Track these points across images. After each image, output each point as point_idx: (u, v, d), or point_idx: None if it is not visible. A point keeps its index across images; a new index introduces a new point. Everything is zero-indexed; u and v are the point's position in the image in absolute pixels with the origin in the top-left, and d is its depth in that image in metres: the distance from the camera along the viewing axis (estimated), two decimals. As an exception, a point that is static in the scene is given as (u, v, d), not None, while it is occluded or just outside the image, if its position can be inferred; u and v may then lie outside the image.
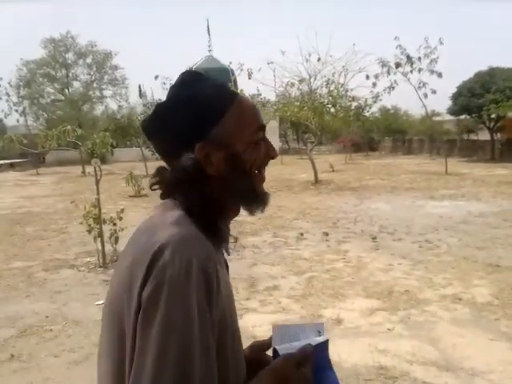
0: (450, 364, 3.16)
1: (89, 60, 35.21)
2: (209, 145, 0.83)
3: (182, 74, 0.89)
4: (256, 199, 0.89)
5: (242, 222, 8.74)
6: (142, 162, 20.46)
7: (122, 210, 6.36)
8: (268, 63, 15.19)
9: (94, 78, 35.93)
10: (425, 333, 3.70)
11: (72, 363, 3.42)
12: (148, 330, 0.69)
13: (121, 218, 6.15)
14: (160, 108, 0.87)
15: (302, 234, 7.47)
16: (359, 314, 4.10)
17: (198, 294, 0.70)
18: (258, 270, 5.61)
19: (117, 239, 6.05)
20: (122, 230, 6.13)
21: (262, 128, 0.89)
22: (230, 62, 21.06)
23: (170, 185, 0.86)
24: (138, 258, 0.75)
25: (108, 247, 6.07)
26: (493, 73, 22.64)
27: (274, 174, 19.22)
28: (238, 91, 19.16)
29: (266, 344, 0.99)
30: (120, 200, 12.03)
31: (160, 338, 0.68)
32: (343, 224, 8.28)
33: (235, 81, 26.63)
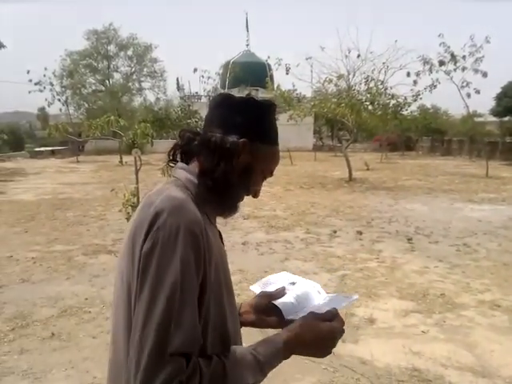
0: (487, 371, 3.08)
1: (129, 52, 36.08)
2: (250, 147, 1.00)
3: (268, 109, 1.07)
4: (230, 207, 1.06)
5: (275, 216, 8.77)
6: (177, 153, 20.78)
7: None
8: (306, 59, 15.08)
9: (133, 69, 36.79)
10: (461, 337, 3.61)
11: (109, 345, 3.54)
12: (143, 281, 0.83)
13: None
14: (248, 99, 1.05)
15: (335, 232, 7.42)
16: (393, 315, 4.05)
17: (184, 252, 0.84)
18: (290, 264, 5.62)
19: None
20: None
21: (271, 175, 1.11)
22: (268, 57, 21.12)
23: (205, 144, 0.99)
24: (140, 222, 0.89)
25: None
26: (542, 73, 21.64)
27: (308, 170, 19.13)
28: (275, 86, 19.12)
29: (275, 295, 1.17)
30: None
31: (150, 288, 0.82)
32: (377, 223, 8.16)
33: (272, 76, 26.60)
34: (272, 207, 9.88)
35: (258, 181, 1.08)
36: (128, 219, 6.12)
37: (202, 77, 19.25)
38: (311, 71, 15.89)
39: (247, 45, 38.30)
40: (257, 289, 1.25)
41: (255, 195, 1.10)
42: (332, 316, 0.99)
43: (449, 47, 15.45)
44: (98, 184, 14.13)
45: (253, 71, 31.12)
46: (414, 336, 3.63)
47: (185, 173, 1.00)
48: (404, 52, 15.50)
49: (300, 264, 5.65)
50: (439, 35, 15.43)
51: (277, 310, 1.13)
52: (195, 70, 19.14)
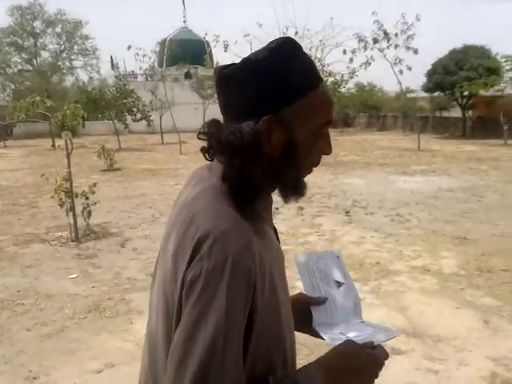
0: (417, 331, 3.29)
1: (58, 29, 33.89)
2: (275, 121, 0.79)
3: (285, 39, 0.83)
4: (296, 190, 0.86)
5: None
6: (114, 135, 20.03)
7: (95, 184, 6.25)
8: (245, 35, 14.90)
9: (63, 47, 34.64)
10: (394, 302, 3.83)
11: (45, 336, 3.40)
12: (185, 312, 0.74)
13: (93, 192, 6.04)
14: (247, 63, 0.80)
15: (277, 209, 7.51)
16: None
17: (231, 286, 0.72)
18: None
19: (89, 213, 5.96)
20: (95, 204, 6.04)
21: (330, 124, 0.85)
22: (206, 34, 20.62)
23: (220, 145, 0.82)
24: (182, 245, 0.77)
25: (80, 221, 5.97)
26: (466, 50, 22.90)
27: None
28: (214, 64, 18.81)
29: (313, 301, 1.02)
30: (92, 174, 11.78)
31: (192, 322, 0.72)
32: (318, 199, 8.37)
33: (211, 53, 26.18)
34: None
35: (315, 148, 0.85)
36: (61, 206, 5.83)
37: (137, 55, 18.41)
38: (250, 49, 15.72)
39: (184, 21, 37.19)
40: (302, 259, 1.08)
41: (317, 164, 0.88)
42: (373, 345, 0.87)
43: (382, 25, 15.93)
44: (28, 170, 13.30)
45: (191, 49, 30.32)
46: (352, 304, 3.79)
47: (216, 177, 0.83)
48: (340, 30, 15.79)
49: (243, 242, 5.69)
50: (373, 13, 15.84)
51: (307, 314, 1.01)
52: (129, 47, 18.30)
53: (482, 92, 21.33)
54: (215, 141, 0.83)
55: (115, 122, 20.64)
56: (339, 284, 1.05)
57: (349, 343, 0.86)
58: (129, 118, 21.03)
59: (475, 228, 6.10)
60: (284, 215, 7.11)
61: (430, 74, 24.03)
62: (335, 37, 17.61)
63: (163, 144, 21.49)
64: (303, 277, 1.05)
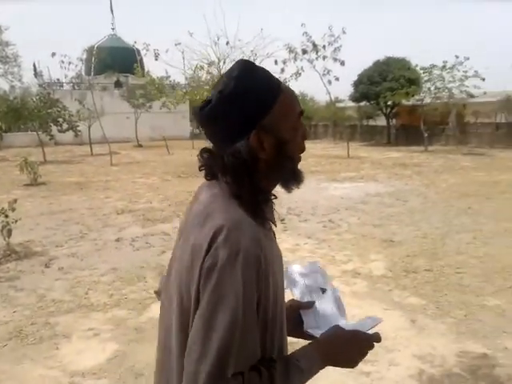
0: (350, 334, 3.38)
1: (-27, 34, 31.39)
2: (261, 132, 0.92)
3: (240, 63, 0.95)
4: (295, 179, 1.00)
5: (151, 209, 8.50)
6: (38, 147, 18.87)
7: (15, 201, 5.83)
8: (175, 44, 14.71)
9: (-21, 53, 32.16)
10: (327, 307, 3.91)
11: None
12: (203, 301, 0.83)
13: (14, 209, 5.63)
14: (221, 98, 0.91)
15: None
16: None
17: (244, 272, 0.83)
18: (168, 257, 5.46)
19: (9, 232, 5.55)
20: (16, 221, 5.63)
21: (302, 113, 0.99)
22: (135, 42, 20.12)
23: (224, 168, 0.94)
24: (198, 240, 0.88)
25: (0, 241, 5.53)
26: (389, 62, 24.34)
27: (186, 159, 18.91)
28: (145, 72, 18.41)
29: (303, 305, 1.14)
30: (14, 189, 10.99)
31: (210, 309, 0.82)
32: (253, 207, 8.41)
33: (141, 61, 25.58)
34: (148, 199, 9.55)
35: (297, 141, 0.98)
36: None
37: (63, 62, 17.53)
38: (183, 58, 15.58)
39: (113, 28, 36.12)
40: (291, 271, 1.21)
41: (304, 149, 1.01)
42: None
43: (310, 37, 16.50)
44: None
45: (120, 56, 29.47)
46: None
47: (224, 189, 0.94)
48: (270, 40, 16.11)
49: (177, 255, 5.56)
50: (302, 25, 16.37)
51: (298, 319, 1.12)
52: (53, 54, 17.38)
53: (404, 101, 22.75)
54: (218, 167, 0.96)
55: (39, 132, 19.45)
56: (323, 290, 1.17)
57: (338, 328, 1.01)
58: (54, 128, 19.91)
59: (401, 230, 6.44)
60: (220, 225, 7.06)
61: (357, 84, 25.25)
62: (266, 47, 18.00)
63: (92, 155, 20.60)
64: (293, 286, 1.18)
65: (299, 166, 1.01)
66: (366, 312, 3.80)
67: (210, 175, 1.00)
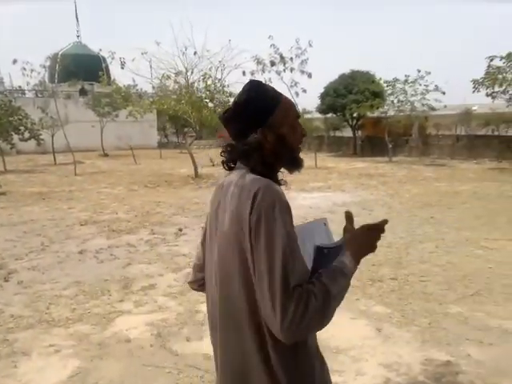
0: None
1: None
2: (266, 129, 1.28)
3: (251, 81, 1.34)
4: (295, 164, 1.36)
5: (117, 219, 8.30)
6: (-1, 156, 18.17)
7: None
8: (142, 53, 14.57)
9: None
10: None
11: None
12: (258, 244, 1.13)
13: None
14: (236, 105, 1.30)
15: (180, 230, 7.36)
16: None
17: (283, 216, 1.15)
18: (133, 269, 5.37)
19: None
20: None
21: (298, 117, 1.37)
22: (100, 50, 19.83)
23: (240, 154, 1.30)
24: (239, 206, 1.18)
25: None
26: (354, 75, 24.97)
27: (154, 168, 18.67)
28: (111, 80, 18.12)
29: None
30: (-29, 200, 10.50)
31: (266, 248, 1.12)
32: (221, 218, 8.37)
33: (107, 70, 25.13)
34: (114, 210, 9.34)
35: (296, 136, 1.34)
36: None
37: (25, 69, 17.03)
38: (150, 67, 15.44)
39: (78, 36, 35.48)
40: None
41: (301, 143, 1.37)
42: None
43: (278, 49, 16.72)
44: None
45: (85, 64, 28.94)
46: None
47: (245, 170, 1.28)
48: (238, 52, 16.25)
49: (144, 267, 5.45)
50: (269, 37, 16.57)
51: None
52: (15, 61, 16.88)
53: (369, 113, 23.35)
54: (236, 153, 1.32)
55: (-1, 141, 18.74)
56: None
57: (349, 233, 1.34)
58: (16, 137, 19.23)
59: (367, 240, 6.54)
60: (188, 236, 6.98)
61: (323, 96, 25.74)
62: (234, 58, 18.10)
63: (56, 165, 20.01)
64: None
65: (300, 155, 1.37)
66: (333, 321, 3.82)
67: (232, 163, 1.35)
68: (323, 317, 1.12)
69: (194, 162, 15.31)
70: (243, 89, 1.32)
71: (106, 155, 26.00)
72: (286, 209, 1.18)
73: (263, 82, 1.42)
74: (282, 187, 1.30)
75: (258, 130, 1.27)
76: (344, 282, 1.18)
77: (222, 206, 1.28)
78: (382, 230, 1.31)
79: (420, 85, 19.96)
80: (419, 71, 19.89)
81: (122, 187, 12.91)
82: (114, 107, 23.91)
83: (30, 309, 4.21)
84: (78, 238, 6.91)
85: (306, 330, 1.11)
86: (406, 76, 20.41)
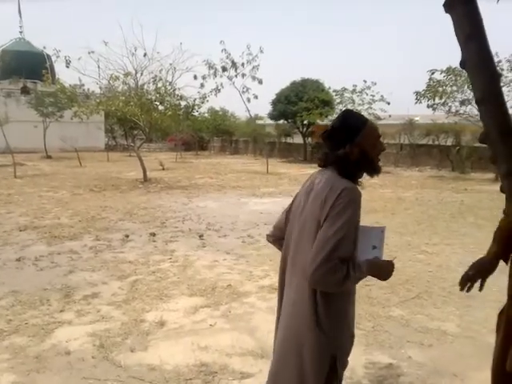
0: (265, 351, 3.36)
1: None
2: (353, 145, 1.79)
3: (345, 110, 1.96)
4: (375, 171, 1.88)
5: (59, 225, 7.92)
6: None
7: None
8: (89, 52, 14.08)
9: None
10: (244, 324, 3.89)
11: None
12: (333, 217, 1.67)
13: None
14: (332, 128, 1.84)
15: (127, 236, 7.14)
16: (183, 314, 4.10)
17: (356, 209, 1.71)
18: (75, 277, 5.13)
19: None
20: None
21: (379, 137, 1.87)
22: (44, 47, 18.92)
23: (333, 162, 1.83)
24: (329, 194, 1.71)
25: None
26: (305, 83, 25.52)
27: (100, 171, 18.05)
28: (55, 79, 17.33)
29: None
30: None
31: (338, 223, 1.66)
32: (171, 223, 8.23)
33: (52, 68, 24.07)
34: (56, 215, 8.91)
35: (375, 152, 1.86)
36: None
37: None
38: (98, 67, 14.92)
39: (21, 32, 33.75)
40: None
41: (380, 154, 1.88)
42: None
43: (230, 54, 16.75)
44: None
45: (28, 61, 27.58)
46: (203, 331, 3.74)
47: (336, 173, 1.81)
48: (189, 55, 16.09)
49: (87, 275, 5.22)
50: (221, 42, 16.57)
51: None
52: None
53: (319, 121, 23.92)
54: (329, 161, 1.85)
55: None
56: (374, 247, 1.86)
57: (376, 258, 1.82)
58: None
59: (315, 245, 6.65)
60: (134, 242, 6.79)
61: (275, 103, 26.09)
62: (185, 62, 17.91)
63: (-6, 166, 18.85)
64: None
65: (380, 164, 1.90)
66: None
67: (324, 164, 1.88)
68: (337, 287, 1.70)
69: (142, 165, 14.96)
70: (338, 115, 1.90)
71: (49, 157, 24.84)
72: (358, 205, 1.71)
73: (353, 110, 2.01)
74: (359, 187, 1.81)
75: (347, 145, 1.78)
76: (358, 277, 1.72)
77: (313, 193, 1.81)
78: (393, 269, 1.87)
79: (367, 94, 20.75)
80: (365, 81, 20.66)
81: (65, 191, 12.36)
82: (59, 107, 22.91)
83: (-42, 322, 3.90)
84: (16, 244, 6.52)
85: (324, 285, 1.70)
86: (353, 86, 21.15)
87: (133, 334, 3.67)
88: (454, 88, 16.63)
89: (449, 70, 16.39)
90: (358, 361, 3.19)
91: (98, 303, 4.35)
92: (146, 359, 3.24)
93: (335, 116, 14.68)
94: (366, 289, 4.76)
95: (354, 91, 21.06)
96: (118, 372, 3.08)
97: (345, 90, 21.48)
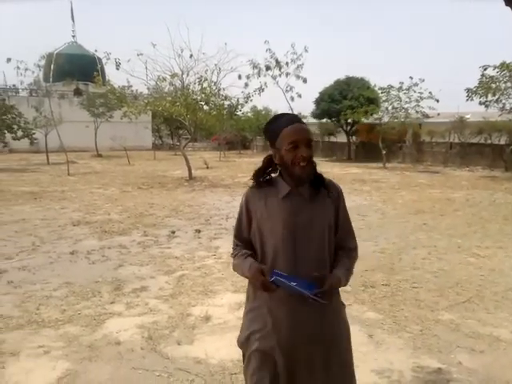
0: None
1: None
2: (274, 148, 1.77)
3: (276, 115, 1.87)
4: (291, 177, 1.76)
5: (109, 220, 8.25)
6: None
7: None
8: (138, 55, 14.54)
9: None
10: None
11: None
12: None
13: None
14: (263, 131, 1.91)
15: (173, 232, 7.33)
16: (227, 309, 4.16)
17: (242, 200, 1.88)
18: (125, 271, 5.33)
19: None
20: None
21: (292, 142, 1.69)
22: (96, 50, 19.76)
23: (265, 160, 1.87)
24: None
25: None
26: (349, 81, 25.12)
27: (147, 170, 18.61)
28: (106, 80, 18.01)
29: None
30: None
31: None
32: (215, 221, 8.36)
33: (103, 70, 25.05)
34: (106, 211, 9.28)
35: (289, 157, 1.71)
36: None
37: (18, 68, 16.93)
38: (146, 68, 15.40)
39: (73, 36, 35.35)
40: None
41: (297, 162, 1.72)
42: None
43: (274, 53, 16.77)
44: None
45: (80, 64, 28.89)
46: (247, 327, 3.77)
47: None
48: (234, 55, 16.25)
49: (136, 269, 5.40)
50: (265, 42, 16.62)
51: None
52: (9, 59, 16.77)
53: (364, 119, 23.47)
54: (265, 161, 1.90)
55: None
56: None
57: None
58: (8, 135, 19.09)
59: (359, 245, 6.51)
60: (180, 238, 6.95)
61: (318, 101, 25.85)
62: (230, 62, 18.12)
63: (49, 164, 19.89)
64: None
65: (299, 172, 1.74)
66: (326, 327, 3.81)
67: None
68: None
69: (188, 163, 15.28)
70: (271, 118, 1.88)
71: (99, 156, 25.89)
72: (246, 197, 1.91)
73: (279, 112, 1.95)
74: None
75: (273, 149, 1.79)
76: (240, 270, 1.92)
77: None
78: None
79: (414, 92, 20.11)
80: (411, 78, 20.04)
81: (115, 188, 12.84)
82: (109, 108, 23.84)
83: (19, 309, 4.15)
84: (69, 239, 6.86)
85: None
86: (400, 83, 20.57)
87: (179, 327, 3.78)
88: (509, 84, 15.82)
89: (503, 66, 15.60)
90: (405, 364, 3.12)
91: (146, 296, 4.50)
92: (192, 352, 3.32)
93: (380, 114, 14.47)
94: (414, 291, 4.64)
95: (400, 88, 20.47)
96: (165, 363, 3.18)
97: (391, 87, 20.92)
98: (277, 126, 1.74)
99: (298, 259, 1.76)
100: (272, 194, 1.81)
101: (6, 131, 18.90)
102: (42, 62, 19.02)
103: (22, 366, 3.18)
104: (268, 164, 1.84)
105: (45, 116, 19.95)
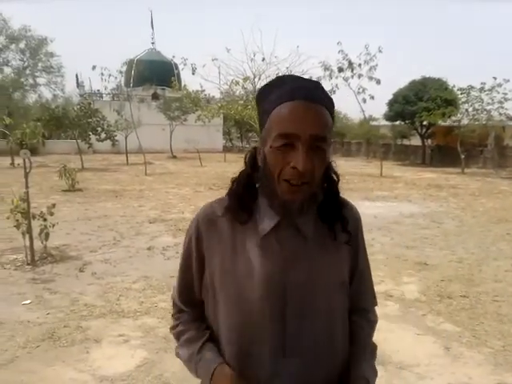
0: (380, 358, 3.27)
1: (22, 45, 33.07)
2: (261, 139, 1.00)
3: (271, 81, 1.04)
4: (274, 199, 1.00)
5: (183, 219, 8.61)
6: (77, 154, 19.55)
7: (54, 205, 6.02)
8: (212, 60, 15.06)
9: (26, 64, 33.79)
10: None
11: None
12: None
13: (52, 214, 5.81)
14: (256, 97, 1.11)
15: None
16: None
17: (189, 235, 1.12)
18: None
19: (47, 235, 5.71)
20: (53, 225, 5.81)
21: (283, 136, 0.92)
22: (173, 56, 20.71)
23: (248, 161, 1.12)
24: None
25: (38, 244, 5.71)
26: (425, 82, 24.00)
27: (218, 171, 19.14)
28: (182, 86, 18.84)
29: None
30: (52, 194, 11.38)
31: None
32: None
33: (178, 75, 26.19)
34: (180, 209, 9.69)
35: (273, 157, 0.96)
36: (17, 227, 5.55)
37: (102, 74, 18.22)
38: (219, 73, 15.91)
39: (152, 43, 37.31)
40: None
41: (283, 176, 0.95)
42: None
43: (346, 55, 16.51)
44: (-16, 189, 12.71)
45: (158, 70, 30.38)
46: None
47: None
48: (306, 58, 16.28)
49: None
50: (338, 43, 16.42)
51: None
52: (94, 67, 18.12)
53: (440, 122, 22.31)
54: None
55: (78, 141, 20.16)
56: None
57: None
58: (93, 137, 20.61)
59: (435, 253, 6.25)
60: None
61: (391, 103, 24.97)
62: (301, 64, 18.11)
63: (128, 164, 21.14)
64: None
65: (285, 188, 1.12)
66: (398, 336, 3.70)
67: None
68: None
69: (257, 166, 15.48)
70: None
71: (174, 157, 27.05)
72: (196, 228, 1.15)
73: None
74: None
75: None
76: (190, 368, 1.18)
77: None
78: None
79: (498, 92, 18.78)
80: (495, 78, 18.72)
81: (188, 188, 13.36)
82: (184, 111, 24.85)
83: (102, 299, 4.47)
84: (147, 235, 7.25)
85: None
86: (481, 83, 19.31)
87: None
88: None
89: None
90: (485, 380, 2.94)
91: (217, 294, 4.64)
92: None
93: (459, 116, 13.64)
94: (495, 304, 4.35)
95: (482, 89, 19.20)
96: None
97: (471, 88, 19.70)
98: (268, 101, 0.97)
99: (289, 349, 0.99)
100: (247, 227, 1.02)
101: (90, 133, 20.40)
102: (124, 68, 20.34)
103: (104, 352, 3.43)
104: (253, 170, 1.05)
105: (125, 119, 21.25)
